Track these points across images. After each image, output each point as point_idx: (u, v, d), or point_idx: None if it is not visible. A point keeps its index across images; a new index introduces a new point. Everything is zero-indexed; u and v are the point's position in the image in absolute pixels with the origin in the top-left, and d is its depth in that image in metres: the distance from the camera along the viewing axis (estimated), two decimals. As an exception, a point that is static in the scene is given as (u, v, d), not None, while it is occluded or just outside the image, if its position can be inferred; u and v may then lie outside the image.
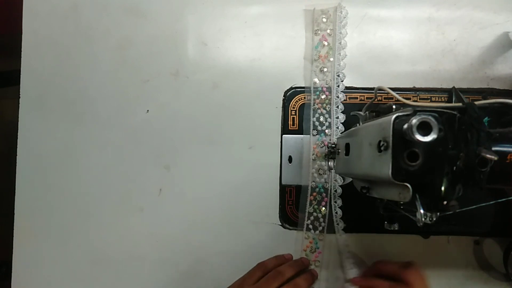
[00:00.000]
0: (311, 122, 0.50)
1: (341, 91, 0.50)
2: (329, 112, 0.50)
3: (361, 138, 0.34)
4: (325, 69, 0.50)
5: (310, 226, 0.49)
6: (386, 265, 0.45)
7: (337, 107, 0.50)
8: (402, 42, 0.51)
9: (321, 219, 0.49)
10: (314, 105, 0.50)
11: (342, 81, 0.50)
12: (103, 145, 0.51)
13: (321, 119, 0.50)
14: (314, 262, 0.49)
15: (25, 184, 0.51)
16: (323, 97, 0.50)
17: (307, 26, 0.51)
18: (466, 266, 0.49)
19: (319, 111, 0.50)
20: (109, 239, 0.50)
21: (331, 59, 0.50)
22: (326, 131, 0.50)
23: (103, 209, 0.50)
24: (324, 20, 0.51)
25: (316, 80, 0.50)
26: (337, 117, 0.50)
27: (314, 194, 0.49)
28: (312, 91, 0.50)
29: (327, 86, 0.50)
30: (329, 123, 0.50)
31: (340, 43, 0.50)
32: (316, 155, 0.50)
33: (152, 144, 0.51)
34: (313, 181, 0.49)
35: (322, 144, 0.49)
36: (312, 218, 0.49)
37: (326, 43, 0.50)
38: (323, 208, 0.49)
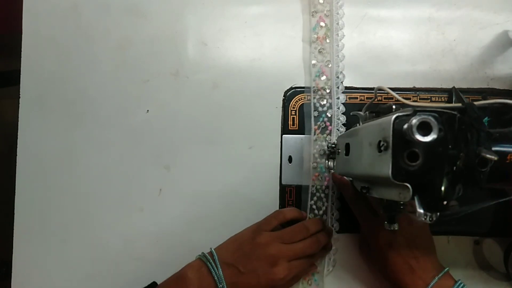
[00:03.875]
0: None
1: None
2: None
3: (361, 138, 0.34)
4: (324, 50, 0.50)
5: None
6: None
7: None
8: (402, 42, 0.51)
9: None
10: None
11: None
12: (103, 145, 0.51)
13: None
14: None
15: (25, 184, 0.51)
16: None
17: (304, 9, 0.51)
18: (466, 266, 0.49)
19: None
20: (109, 239, 0.50)
21: (328, 40, 0.50)
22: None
23: (103, 209, 0.50)
24: (321, 1, 0.51)
25: (314, 61, 0.50)
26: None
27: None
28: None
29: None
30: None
31: (337, 23, 0.50)
32: (315, 181, 0.50)
33: (152, 144, 0.51)
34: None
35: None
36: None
37: (323, 24, 0.50)
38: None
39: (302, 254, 0.43)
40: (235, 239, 0.44)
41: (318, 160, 0.49)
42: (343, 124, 0.50)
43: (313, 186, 0.49)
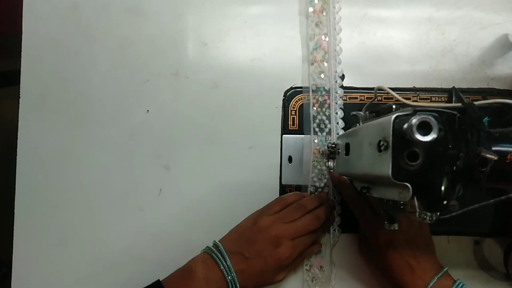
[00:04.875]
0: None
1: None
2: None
3: (361, 138, 0.34)
4: (321, 24, 0.50)
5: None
6: None
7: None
8: (402, 42, 0.51)
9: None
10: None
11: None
12: (103, 145, 0.51)
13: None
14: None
15: (25, 184, 0.51)
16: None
17: None
18: (466, 266, 0.49)
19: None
20: (109, 239, 0.50)
21: (325, 13, 0.50)
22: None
23: (103, 209, 0.50)
24: None
25: (312, 33, 0.50)
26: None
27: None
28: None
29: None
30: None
31: None
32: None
33: (152, 144, 0.51)
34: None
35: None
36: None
37: None
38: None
39: (304, 231, 0.43)
40: (237, 228, 0.45)
41: (319, 133, 0.49)
42: (341, 98, 0.50)
43: (313, 160, 0.49)
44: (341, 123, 0.50)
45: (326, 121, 0.49)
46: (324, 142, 0.49)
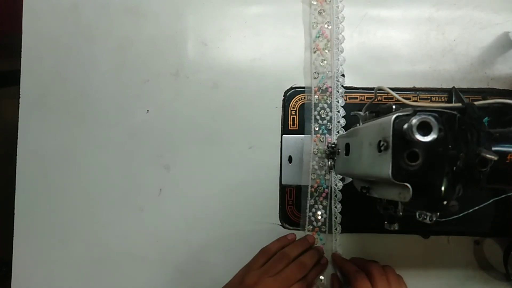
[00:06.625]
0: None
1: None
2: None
3: (361, 138, 0.34)
4: (324, 12, 0.50)
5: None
6: (355, 259, 0.48)
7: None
8: (402, 42, 0.51)
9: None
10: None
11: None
12: (103, 145, 0.51)
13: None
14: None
15: (25, 184, 0.51)
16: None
17: None
18: (466, 266, 0.49)
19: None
20: (109, 239, 0.50)
21: (328, 1, 0.50)
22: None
23: (103, 209, 0.50)
24: None
25: (315, 21, 0.50)
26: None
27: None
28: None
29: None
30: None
31: None
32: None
33: (152, 144, 0.51)
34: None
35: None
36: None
37: None
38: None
39: (291, 281, 0.42)
40: (226, 287, 0.44)
41: (320, 122, 0.49)
42: (343, 86, 0.50)
43: (314, 148, 0.49)
44: (342, 111, 0.50)
45: (328, 109, 0.49)
46: (324, 130, 0.49)
